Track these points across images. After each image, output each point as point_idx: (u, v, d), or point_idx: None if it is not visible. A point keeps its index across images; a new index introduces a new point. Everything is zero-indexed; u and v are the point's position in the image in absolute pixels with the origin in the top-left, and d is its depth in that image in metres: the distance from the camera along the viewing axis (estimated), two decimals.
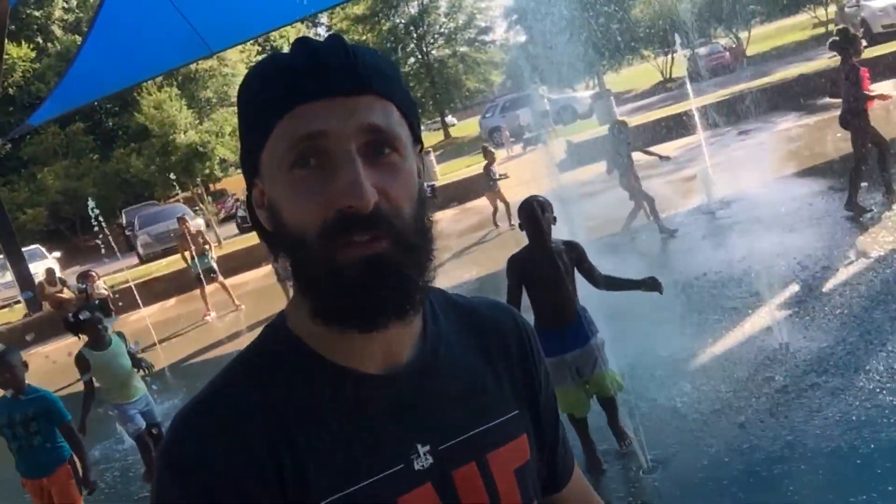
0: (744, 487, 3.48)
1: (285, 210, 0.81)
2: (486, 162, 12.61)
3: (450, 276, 9.81)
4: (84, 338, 5.14)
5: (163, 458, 0.80)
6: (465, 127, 40.37)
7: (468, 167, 22.22)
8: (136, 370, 5.16)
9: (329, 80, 0.79)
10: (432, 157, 21.06)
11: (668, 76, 37.01)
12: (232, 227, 25.12)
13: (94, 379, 5.13)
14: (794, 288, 5.79)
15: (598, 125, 22.79)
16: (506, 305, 1.07)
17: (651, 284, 4.05)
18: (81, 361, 5.03)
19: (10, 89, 37.31)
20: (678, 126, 16.06)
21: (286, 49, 0.86)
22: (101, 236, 11.86)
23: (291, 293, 0.87)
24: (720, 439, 3.95)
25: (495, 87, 47.60)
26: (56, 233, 38.06)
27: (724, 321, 5.58)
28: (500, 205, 12.26)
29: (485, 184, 12.50)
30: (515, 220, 3.87)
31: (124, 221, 28.77)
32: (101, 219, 11.82)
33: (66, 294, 15.47)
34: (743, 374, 4.64)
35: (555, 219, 4.00)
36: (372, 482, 0.80)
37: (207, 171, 31.23)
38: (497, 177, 12.33)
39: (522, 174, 17.35)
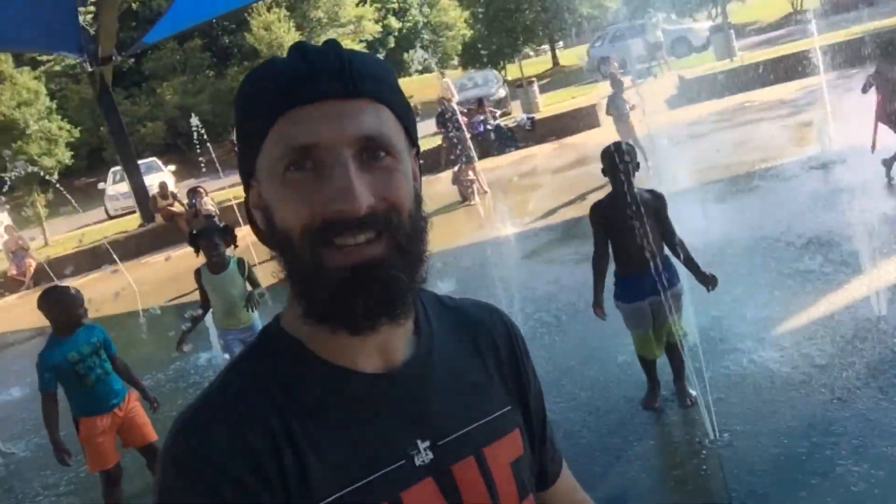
0: (821, 469, 3.33)
1: (277, 211, 0.82)
2: (614, 91, 11.20)
3: (542, 219, 9.67)
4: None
5: (166, 456, 0.81)
6: (572, 56, 39.01)
7: (573, 98, 21.63)
8: (246, 303, 4.99)
9: (322, 84, 0.80)
10: (535, 86, 20.54)
11: (798, 7, 34.48)
12: None
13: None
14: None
15: (714, 59, 21.61)
16: (492, 306, 1.08)
17: (708, 280, 4.02)
18: (196, 278, 5.10)
19: (132, 4, 38.62)
20: (799, 65, 15.03)
21: None
22: (206, 153, 12.10)
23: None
24: (799, 414, 3.78)
25: (610, 15, 45.71)
26: (173, 146, 39.79)
27: (817, 287, 5.28)
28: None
29: (615, 114, 11.08)
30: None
31: (235, 138, 29.64)
32: (205, 136, 12.08)
33: (177, 207, 16.26)
34: (832, 346, 4.40)
35: (638, 165, 4.06)
36: (375, 478, 0.82)
37: None
38: (629, 107, 10.98)
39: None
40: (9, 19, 10.81)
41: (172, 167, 26.63)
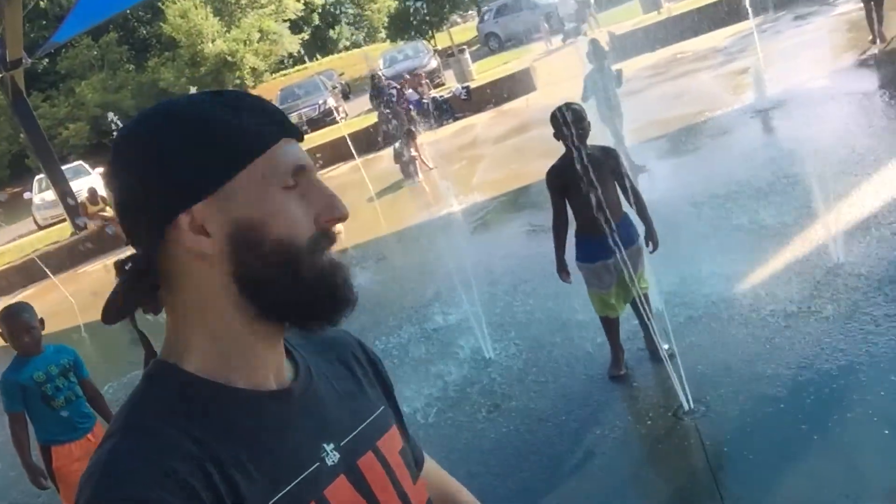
0: (799, 432, 3.25)
1: (279, 223, 0.89)
2: (594, 66, 7.93)
3: (489, 191, 9.50)
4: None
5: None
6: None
7: (506, 63, 21.44)
8: None
9: (294, 125, 0.96)
10: (468, 54, 20.28)
11: None
12: None
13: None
14: (853, 199, 5.37)
15: (641, 13, 21.63)
16: (339, 328, 1.14)
17: (653, 239, 4.02)
18: (132, 322, 4.57)
19: (41, 2, 36.91)
20: (727, 12, 15.10)
21: None
22: None
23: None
24: (775, 376, 3.69)
25: None
26: (100, 146, 38.38)
27: (773, 238, 5.23)
28: None
29: (599, 98, 7.70)
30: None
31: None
32: None
33: (110, 212, 15.63)
34: (795, 299, 4.34)
35: (589, 124, 3.99)
36: (298, 482, 0.89)
37: (238, 80, 30.80)
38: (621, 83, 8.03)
39: (562, 71, 16.66)
40: None
41: (101, 169, 25.57)
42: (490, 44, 28.65)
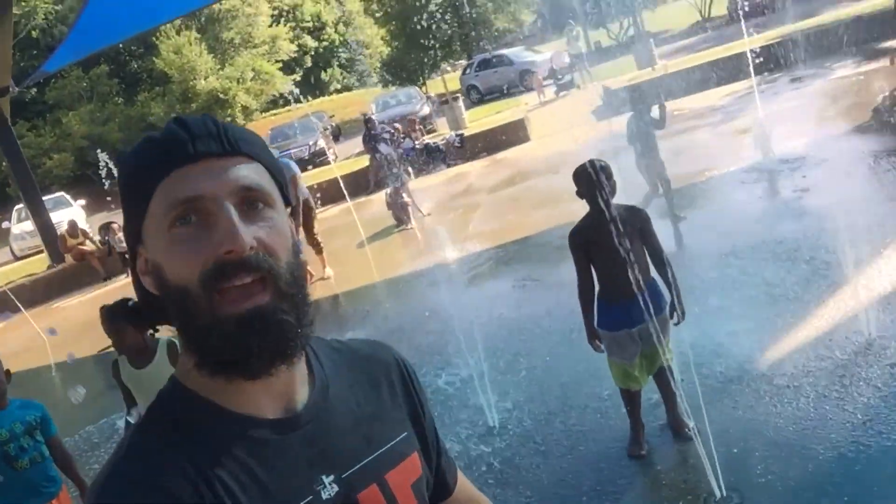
0: None
1: (167, 266, 0.87)
2: (636, 111, 7.94)
3: (484, 241, 9.21)
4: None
5: None
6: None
7: (499, 113, 21.40)
8: None
9: (200, 145, 0.87)
10: (461, 102, 20.21)
11: (706, 15, 35.36)
12: None
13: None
14: (881, 267, 5.11)
15: (635, 68, 21.75)
16: (382, 343, 1.17)
17: (679, 310, 3.74)
18: (114, 373, 3.84)
19: (32, 32, 36.78)
20: (724, 70, 15.13)
21: None
22: (117, 185, 11.28)
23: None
24: (814, 461, 3.37)
25: (525, 27, 46.10)
26: (84, 178, 37.93)
27: (802, 306, 4.94)
28: None
29: (640, 145, 7.76)
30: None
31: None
32: (114, 168, 11.27)
33: (89, 246, 15.21)
34: (830, 375, 4.04)
35: (615, 183, 3.73)
36: None
37: (229, 118, 30.67)
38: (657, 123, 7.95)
39: (556, 123, 16.60)
40: None
41: (83, 201, 25.16)
42: (471, 96, 29.88)
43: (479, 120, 20.16)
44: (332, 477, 0.93)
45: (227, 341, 0.85)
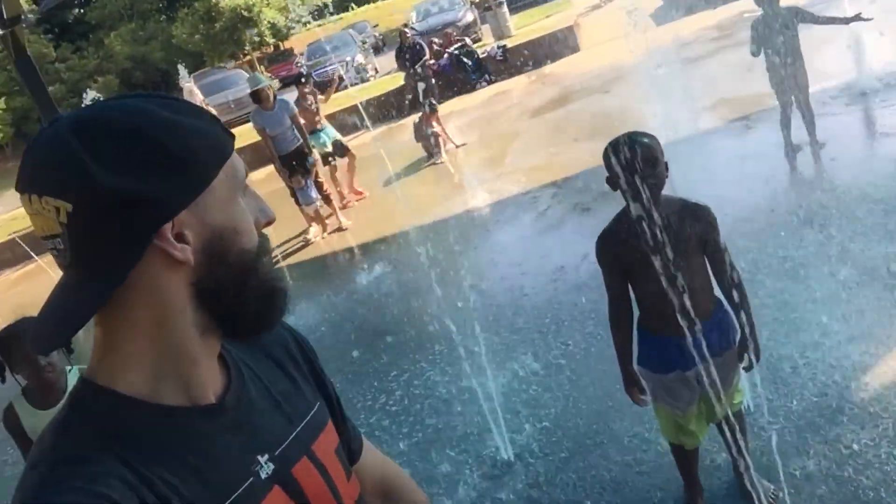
0: None
1: (241, 233, 0.91)
2: (765, 9, 5.89)
3: (523, 181, 8.05)
4: None
5: None
6: None
7: (548, 17, 19.61)
8: None
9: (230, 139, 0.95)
10: (505, 7, 18.45)
11: None
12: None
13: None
14: None
15: None
16: None
17: (754, 351, 2.62)
18: (7, 421, 2.95)
19: None
20: None
21: None
22: None
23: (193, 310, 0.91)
24: None
25: None
26: None
27: None
28: None
29: (773, 52, 5.86)
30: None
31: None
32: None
33: None
34: None
35: (667, 165, 2.47)
36: (232, 501, 0.88)
37: (258, 37, 29.16)
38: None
39: (609, 29, 14.94)
40: None
41: None
42: None
43: (526, 26, 18.45)
44: (266, 456, 0.95)
45: (274, 301, 0.94)
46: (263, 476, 0.93)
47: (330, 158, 8.74)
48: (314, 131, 8.62)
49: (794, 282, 4.21)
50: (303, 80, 8.95)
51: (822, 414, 3.17)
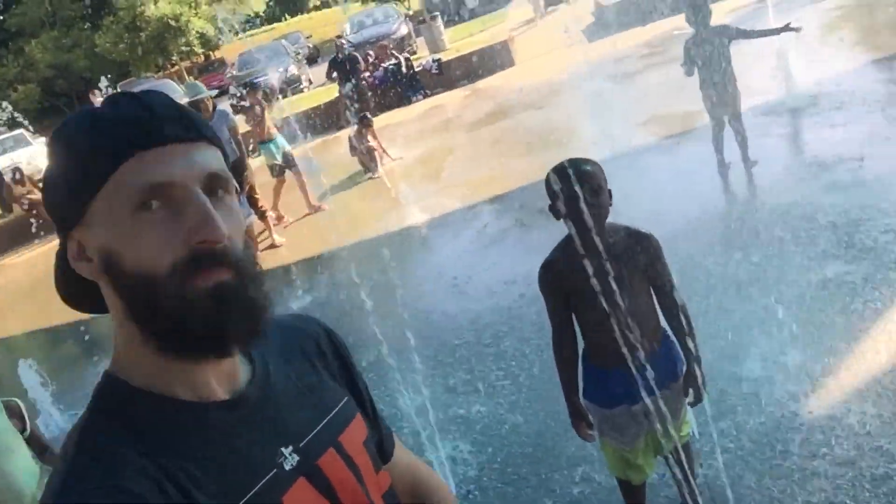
0: None
1: (130, 252, 0.84)
2: (696, 31, 5.88)
3: (460, 195, 7.99)
4: None
5: None
6: None
7: (482, 31, 19.73)
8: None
9: (166, 128, 0.86)
10: (440, 21, 18.49)
11: None
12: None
13: None
14: None
15: None
16: (306, 315, 1.19)
17: (695, 386, 2.55)
18: None
19: None
20: None
21: None
22: None
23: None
24: None
25: None
26: (53, 109, 36.20)
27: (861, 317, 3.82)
28: None
29: (707, 73, 5.84)
30: None
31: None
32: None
33: (37, 195, 13.95)
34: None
35: (610, 193, 2.40)
36: (255, 492, 0.87)
37: (186, 47, 28.48)
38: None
39: (543, 44, 15.11)
40: None
41: (43, 139, 23.58)
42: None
43: (461, 40, 18.51)
44: (290, 448, 0.94)
45: (204, 318, 0.84)
46: (287, 467, 0.92)
47: (279, 168, 8.53)
48: (264, 142, 8.40)
49: (726, 299, 4.23)
50: (250, 88, 8.72)
51: (768, 439, 3.16)
